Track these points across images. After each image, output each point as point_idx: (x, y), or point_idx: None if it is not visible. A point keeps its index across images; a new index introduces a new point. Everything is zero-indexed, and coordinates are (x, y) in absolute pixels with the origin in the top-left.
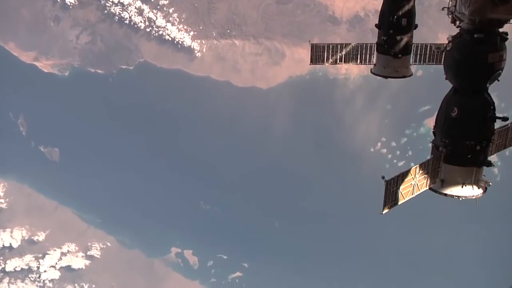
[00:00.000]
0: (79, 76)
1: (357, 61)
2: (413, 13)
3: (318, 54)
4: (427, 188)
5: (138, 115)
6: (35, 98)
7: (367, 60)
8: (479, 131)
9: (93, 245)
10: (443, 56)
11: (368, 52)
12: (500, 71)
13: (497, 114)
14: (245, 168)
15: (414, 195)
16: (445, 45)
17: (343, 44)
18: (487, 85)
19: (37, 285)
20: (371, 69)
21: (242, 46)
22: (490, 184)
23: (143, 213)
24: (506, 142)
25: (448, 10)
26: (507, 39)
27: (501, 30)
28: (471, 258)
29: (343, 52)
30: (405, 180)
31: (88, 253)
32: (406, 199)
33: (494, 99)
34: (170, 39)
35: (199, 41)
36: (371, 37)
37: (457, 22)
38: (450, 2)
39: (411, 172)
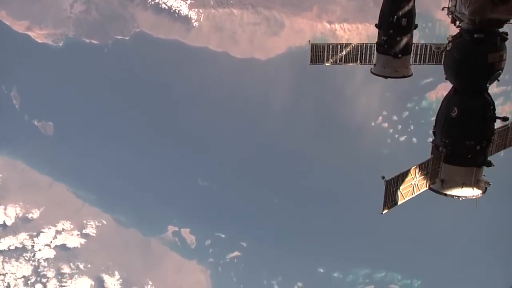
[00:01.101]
0: (73, 46)
1: (357, 61)
2: (413, 13)
3: (318, 54)
4: (427, 188)
5: (134, 87)
6: (29, 70)
7: (367, 60)
8: (479, 131)
9: (88, 223)
10: (443, 56)
11: (368, 52)
12: (500, 71)
13: (497, 114)
14: (243, 143)
15: (414, 195)
16: (445, 45)
17: (343, 44)
18: (487, 85)
19: (31, 265)
20: (371, 69)
21: (240, 15)
22: (490, 184)
23: (139, 190)
24: (506, 142)
25: (448, 10)
26: (507, 39)
27: (501, 30)
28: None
29: (343, 52)
30: (405, 180)
31: (84, 231)
32: (406, 199)
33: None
34: (166, 7)
35: (196, 10)
36: (372, 6)
37: (457, 22)
38: (450, 2)
39: (411, 172)
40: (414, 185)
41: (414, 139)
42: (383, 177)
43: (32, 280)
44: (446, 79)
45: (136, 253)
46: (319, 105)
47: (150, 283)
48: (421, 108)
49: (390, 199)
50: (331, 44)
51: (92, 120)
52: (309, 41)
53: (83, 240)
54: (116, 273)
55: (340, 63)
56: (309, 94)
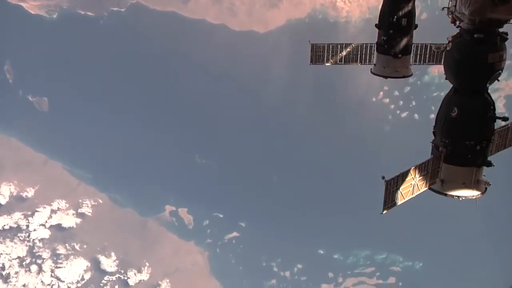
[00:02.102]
0: (68, 18)
1: (357, 61)
2: (413, 13)
3: (318, 54)
4: (427, 188)
5: (130, 60)
6: (22, 43)
7: (367, 60)
8: (479, 131)
9: (84, 202)
10: (443, 56)
11: (368, 52)
12: (500, 71)
13: (497, 114)
14: (241, 118)
15: (414, 195)
16: (445, 45)
17: (343, 44)
18: (487, 85)
19: (26, 245)
20: (371, 69)
21: None
22: (490, 184)
23: (136, 168)
24: (506, 142)
25: (448, 10)
26: (507, 39)
27: (501, 30)
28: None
29: (343, 53)
30: (405, 180)
31: (79, 210)
32: (406, 199)
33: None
34: None
35: None
36: None
37: (457, 22)
38: (450, 2)
39: (411, 172)
40: (414, 185)
41: (416, 115)
42: (383, 177)
43: (27, 261)
44: (446, 79)
45: (132, 233)
46: (319, 79)
47: (147, 264)
48: (423, 83)
49: (390, 199)
50: (331, 44)
51: (88, 96)
52: (309, 41)
53: (78, 220)
54: (113, 254)
55: (340, 63)
56: (308, 67)
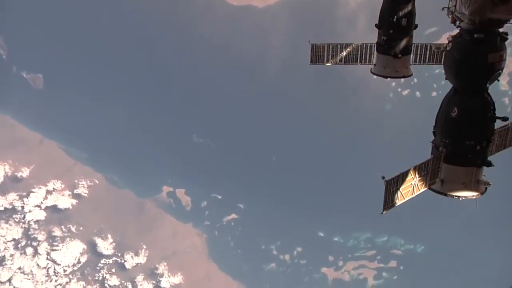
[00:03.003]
0: None
1: (357, 61)
2: (413, 13)
3: (318, 54)
4: (427, 188)
5: (126, 38)
6: (16, 17)
7: (367, 60)
8: (479, 131)
9: (80, 183)
10: (443, 56)
11: (368, 52)
12: (500, 71)
13: (497, 114)
14: (239, 95)
15: (414, 195)
16: (445, 45)
17: (343, 44)
18: (487, 85)
19: (21, 227)
20: (371, 69)
21: None
22: (490, 184)
23: (132, 148)
24: (506, 142)
25: (448, 10)
26: (507, 39)
27: (501, 30)
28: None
29: (344, 53)
30: (405, 180)
31: (75, 191)
32: (406, 199)
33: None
34: None
35: None
36: None
37: (457, 22)
38: (450, 2)
39: (411, 172)
40: (414, 185)
41: (418, 93)
42: (383, 177)
43: (23, 244)
44: (446, 79)
45: (129, 215)
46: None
47: (144, 247)
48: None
49: (390, 199)
50: (331, 44)
51: (84, 73)
52: (309, 41)
53: (74, 201)
54: (109, 236)
55: (340, 63)
56: (308, 43)
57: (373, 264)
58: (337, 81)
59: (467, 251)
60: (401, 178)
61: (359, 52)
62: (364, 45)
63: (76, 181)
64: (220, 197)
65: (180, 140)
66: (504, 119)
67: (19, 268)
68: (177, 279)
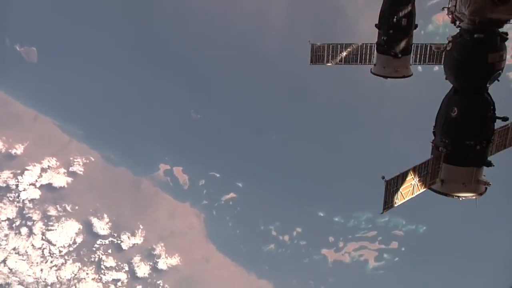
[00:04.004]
0: None
1: (357, 61)
2: (413, 13)
3: (318, 54)
4: (427, 188)
5: (123, 11)
6: None
7: (367, 60)
8: (479, 131)
9: (75, 160)
10: (443, 56)
11: (368, 52)
12: (500, 71)
13: (497, 114)
14: (238, 69)
15: (414, 195)
16: (445, 45)
17: (343, 44)
18: (487, 85)
19: (16, 206)
20: (371, 69)
21: None
22: (490, 184)
23: (129, 124)
24: (506, 142)
25: (448, 10)
26: (507, 39)
27: (501, 30)
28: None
29: (344, 53)
30: (405, 180)
31: (70, 169)
32: (406, 199)
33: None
34: None
35: None
36: None
37: (457, 22)
38: (450, 2)
39: (411, 172)
40: (414, 185)
41: (419, 68)
42: (383, 177)
43: (17, 223)
44: (446, 79)
45: (126, 194)
46: (319, 24)
47: (141, 227)
48: (427, 33)
49: (390, 199)
50: (331, 44)
51: (80, 47)
52: (309, 41)
53: (69, 179)
54: (105, 216)
55: (340, 63)
56: (308, 14)
57: (374, 245)
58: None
59: (470, 232)
60: (401, 178)
61: (359, 52)
62: (364, 45)
63: (71, 158)
64: (218, 175)
65: (178, 116)
66: (504, 119)
67: (14, 249)
68: (175, 260)
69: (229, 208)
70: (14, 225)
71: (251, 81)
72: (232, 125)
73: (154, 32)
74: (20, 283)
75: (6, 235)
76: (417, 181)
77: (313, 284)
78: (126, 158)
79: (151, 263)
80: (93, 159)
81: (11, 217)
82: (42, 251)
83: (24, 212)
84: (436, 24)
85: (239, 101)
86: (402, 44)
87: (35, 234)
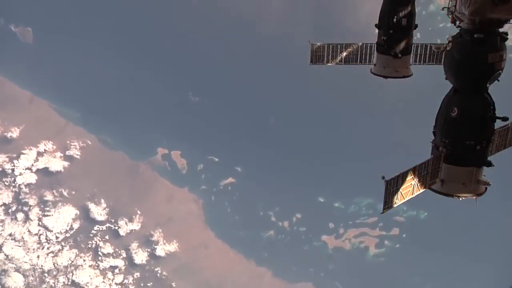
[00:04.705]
0: None
1: (357, 61)
2: (413, 13)
3: (318, 54)
4: (427, 188)
5: None
6: None
7: (367, 60)
8: (479, 131)
9: (72, 144)
10: (443, 56)
11: (368, 52)
12: (500, 71)
13: (497, 114)
14: (237, 52)
15: (414, 195)
16: (445, 45)
17: (343, 44)
18: (487, 85)
19: (12, 191)
20: (371, 69)
21: None
22: (490, 184)
23: (126, 107)
24: (506, 142)
25: (448, 10)
26: (507, 39)
27: (501, 30)
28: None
29: (344, 53)
30: (405, 180)
31: (67, 153)
32: (406, 199)
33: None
34: None
35: None
36: None
37: (457, 22)
38: (450, 2)
39: (411, 172)
40: (414, 185)
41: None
42: (383, 177)
43: (13, 209)
44: (446, 79)
45: (123, 178)
46: (320, 7)
47: (139, 212)
48: (428, 13)
49: (390, 200)
50: (331, 44)
51: (77, 27)
52: (309, 41)
53: (66, 163)
54: (102, 201)
55: (340, 63)
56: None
57: (374, 232)
58: (336, 36)
59: (472, 218)
60: (401, 178)
61: (359, 52)
62: (364, 45)
63: (68, 142)
64: (217, 159)
65: (176, 99)
66: (504, 119)
67: (10, 235)
68: (173, 247)
69: (228, 193)
70: (10, 211)
71: (250, 63)
72: (231, 108)
73: (151, 14)
74: (17, 270)
75: (2, 221)
76: (417, 181)
77: (313, 272)
78: (123, 141)
79: (149, 250)
80: (90, 143)
81: (7, 202)
82: (39, 237)
83: (20, 197)
84: (437, 4)
85: (238, 83)
86: (402, 44)
87: (31, 220)
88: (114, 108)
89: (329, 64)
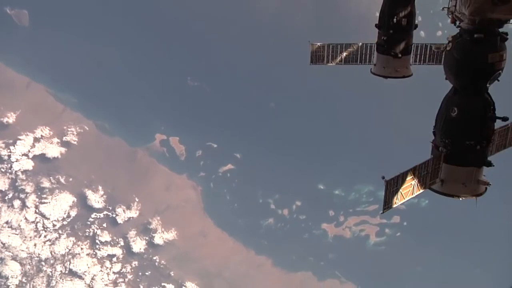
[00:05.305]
0: None
1: (357, 61)
2: (413, 13)
3: (318, 54)
4: (427, 188)
5: None
6: None
7: (367, 60)
8: (479, 131)
9: (69, 130)
10: (443, 56)
11: (368, 52)
12: (500, 71)
13: (497, 114)
14: (236, 35)
15: (414, 195)
16: (445, 45)
17: (343, 44)
18: (487, 85)
19: (8, 177)
20: (371, 69)
21: None
22: (490, 184)
23: (124, 93)
24: (506, 142)
25: (448, 10)
26: (507, 39)
27: (501, 30)
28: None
29: (344, 53)
30: (405, 180)
31: (64, 138)
32: (406, 199)
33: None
34: None
35: None
36: None
37: (457, 22)
38: (450, 2)
39: (411, 172)
40: (414, 185)
41: (422, 33)
42: (383, 177)
43: (10, 196)
44: (446, 79)
45: (120, 165)
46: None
47: (137, 200)
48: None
49: (389, 200)
50: (331, 44)
51: (74, 10)
52: (309, 41)
53: (63, 149)
54: (100, 188)
55: (340, 63)
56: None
57: (375, 220)
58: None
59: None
60: (401, 178)
61: (359, 52)
62: (364, 45)
63: (65, 127)
64: (215, 145)
65: (174, 83)
66: (504, 119)
67: (7, 222)
68: (171, 235)
69: (226, 180)
70: (6, 198)
71: (250, 47)
72: (230, 93)
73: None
74: (13, 258)
75: None
76: (417, 181)
77: (313, 260)
78: (121, 127)
79: (147, 238)
80: (87, 129)
81: (3, 189)
82: (36, 225)
83: (17, 184)
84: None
85: (237, 68)
86: (402, 44)
87: (28, 207)
88: (111, 93)
89: (329, 64)
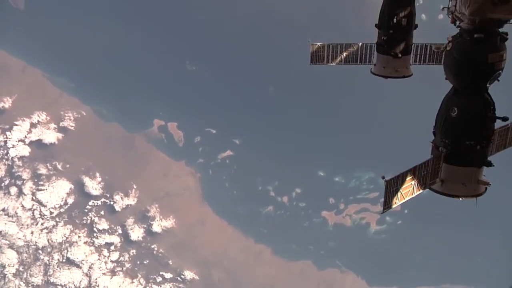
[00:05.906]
0: None
1: (357, 61)
2: (413, 13)
3: (318, 54)
4: (427, 188)
5: None
6: None
7: (367, 60)
8: (479, 131)
9: (66, 115)
10: (443, 56)
11: (368, 52)
12: (500, 71)
13: (497, 114)
14: (235, 18)
15: (414, 195)
16: (445, 45)
17: (343, 44)
18: (487, 85)
19: (5, 164)
20: (371, 69)
21: None
22: (490, 184)
23: (122, 77)
24: (506, 142)
25: (448, 10)
26: (507, 39)
27: (501, 30)
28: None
29: (344, 53)
30: (405, 180)
31: (61, 124)
32: (406, 199)
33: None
34: None
35: None
36: None
37: (457, 22)
38: (450, 2)
39: (411, 172)
40: (414, 185)
41: (423, 16)
42: (383, 177)
43: (6, 183)
44: (446, 79)
45: (118, 151)
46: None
47: (135, 187)
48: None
49: (389, 200)
50: (331, 44)
51: None
52: (309, 40)
53: (60, 135)
54: (97, 175)
55: (340, 63)
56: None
57: (376, 207)
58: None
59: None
60: (401, 178)
61: (359, 52)
62: (364, 45)
63: (62, 113)
64: (214, 131)
65: (172, 68)
66: (504, 119)
67: (3, 210)
68: (169, 223)
69: (225, 166)
70: (3, 185)
71: (249, 31)
72: (229, 77)
73: None
74: (10, 247)
75: None
76: (417, 181)
77: (312, 249)
78: (118, 113)
79: (145, 226)
80: (84, 114)
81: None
82: (33, 213)
83: (13, 170)
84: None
85: (236, 52)
86: (402, 44)
87: (25, 195)
88: (109, 78)
89: (329, 64)
